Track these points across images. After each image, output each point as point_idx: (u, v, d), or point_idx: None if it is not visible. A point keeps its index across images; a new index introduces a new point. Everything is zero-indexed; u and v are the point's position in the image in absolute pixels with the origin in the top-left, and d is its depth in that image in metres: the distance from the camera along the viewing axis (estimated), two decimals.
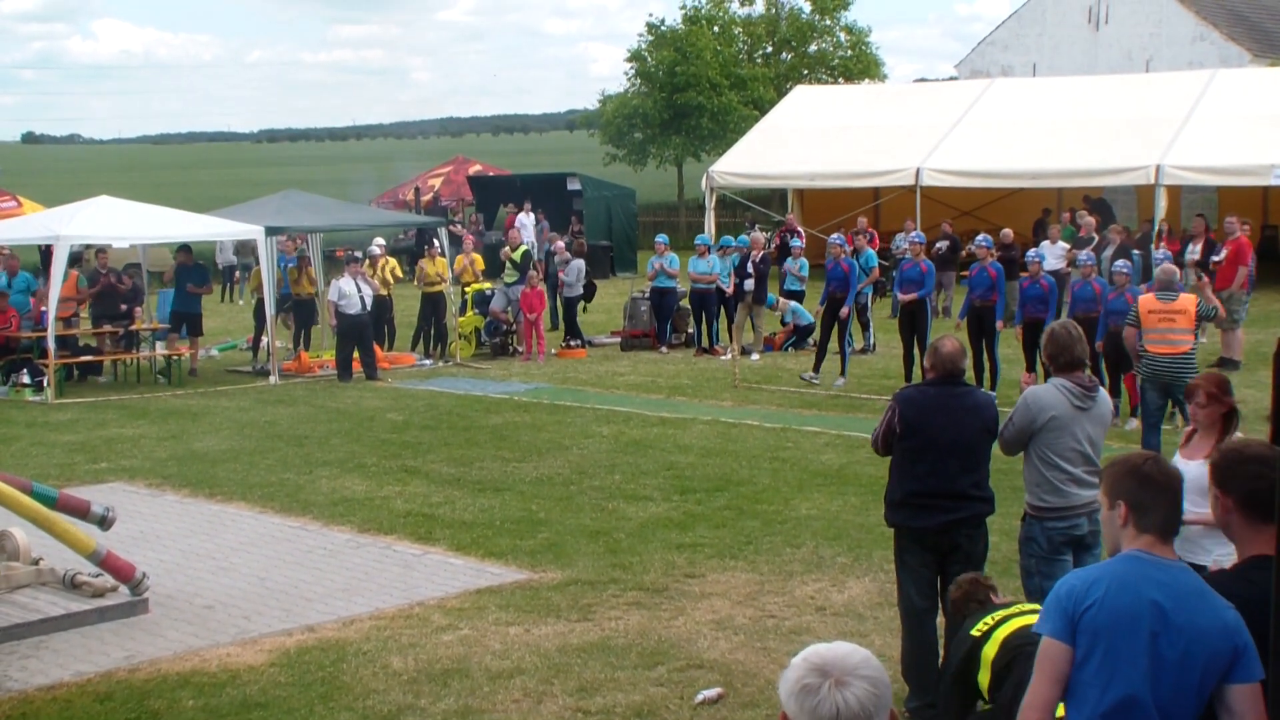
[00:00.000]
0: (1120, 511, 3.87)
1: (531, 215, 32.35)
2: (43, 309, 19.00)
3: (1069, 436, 6.85)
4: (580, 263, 22.98)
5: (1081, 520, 6.85)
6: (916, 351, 17.13)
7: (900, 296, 17.77)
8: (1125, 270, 14.99)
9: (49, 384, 17.99)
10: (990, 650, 5.50)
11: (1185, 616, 3.69)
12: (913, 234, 19.14)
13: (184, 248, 21.05)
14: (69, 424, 16.19)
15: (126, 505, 11.47)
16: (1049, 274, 17.31)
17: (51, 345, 17.99)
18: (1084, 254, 16.63)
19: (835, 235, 20.49)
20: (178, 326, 20.38)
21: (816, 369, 18.11)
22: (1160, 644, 3.69)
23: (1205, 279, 17.10)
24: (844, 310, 18.16)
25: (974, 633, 5.65)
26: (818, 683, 2.56)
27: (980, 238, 17.93)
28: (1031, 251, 16.54)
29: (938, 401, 7.07)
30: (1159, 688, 3.69)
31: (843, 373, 18.08)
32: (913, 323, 17.51)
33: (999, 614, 5.70)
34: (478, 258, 23.09)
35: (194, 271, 20.81)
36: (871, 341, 21.04)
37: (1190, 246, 21.96)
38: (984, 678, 5.52)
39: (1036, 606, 5.45)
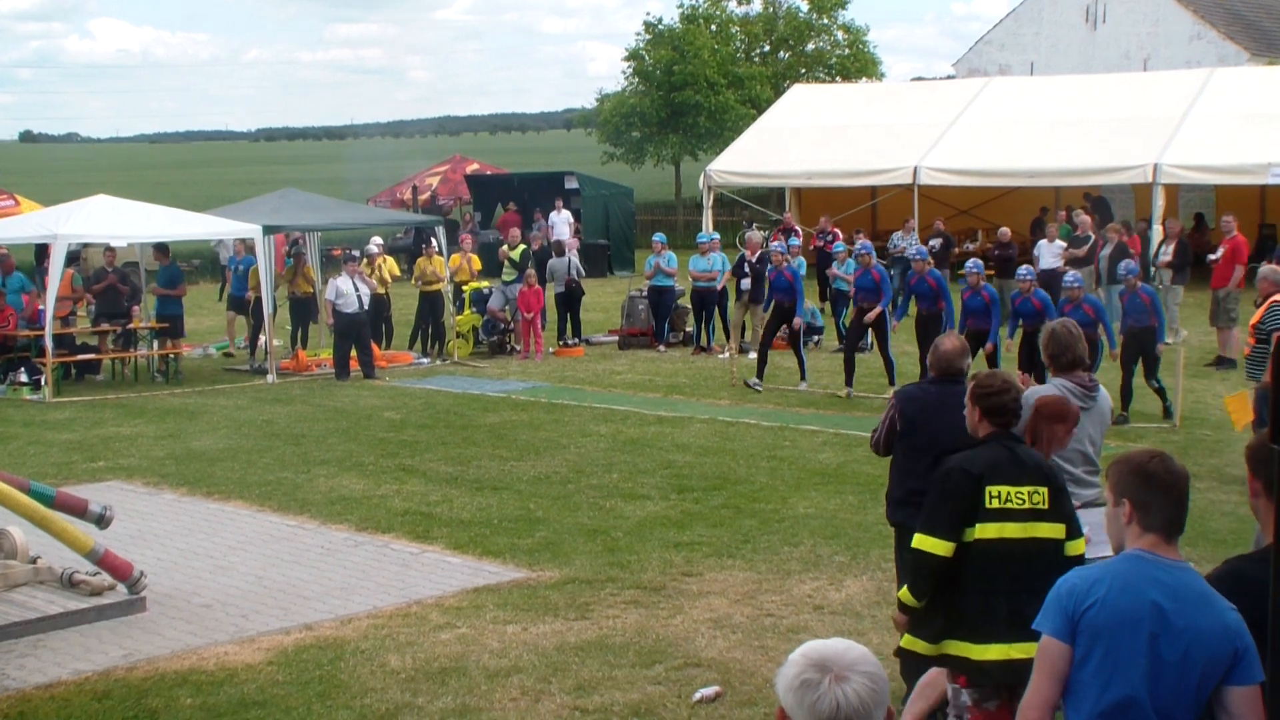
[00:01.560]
0: (1124, 509, 3.87)
1: (566, 212, 32.28)
2: (39, 308, 18.97)
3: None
4: (555, 261, 22.59)
5: None
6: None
7: (862, 306, 17.56)
8: (1076, 284, 14.88)
9: (46, 383, 17.98)
10: (975, 534, 5.37)
11: (1186, 618, 3.69)
12: (859, 245, 18.72)
13: (159, 247, 20.90)
14: (66, 423, 16.18)
15: (124, 504, 11.46)
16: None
17: (49, 344, 17.97)
18: (1023, 269, 16.39)
19: (776, 243, 20.05)
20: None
21: (760, 375, 17.77)
22: (1160, 645, 3.69)
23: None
24: (796, 321, 17.85)
25: (987, 497, 5.35)
26: (818, 678, 2.56)
27: (915, 249, 17.62)
28: (970, 263, 16.31)
29: (938, 399, 7.06)
30: (1158, 689, 3.69)
31: (803, 376, 17.90)
32: (871, 325, 17.42)
33: (1013, 495, 5.36)
34: (475, 257, 23.06)
35: (163, 273, 20.69)
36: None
37: (1162, 248, 21.89)
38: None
39: (1037, 494, 5.38)
